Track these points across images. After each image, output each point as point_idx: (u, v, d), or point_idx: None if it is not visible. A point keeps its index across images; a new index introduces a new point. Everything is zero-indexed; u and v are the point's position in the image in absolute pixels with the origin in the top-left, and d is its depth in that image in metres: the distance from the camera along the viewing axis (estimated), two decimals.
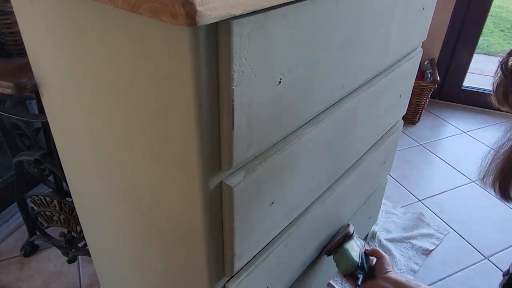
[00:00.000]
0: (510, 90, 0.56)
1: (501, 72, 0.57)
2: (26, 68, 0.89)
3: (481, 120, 2.20)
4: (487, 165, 0.54)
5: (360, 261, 0.89)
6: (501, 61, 0.57)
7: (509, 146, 0.52)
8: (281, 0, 0.45)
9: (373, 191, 1.20)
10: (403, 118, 1.17)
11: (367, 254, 0.93)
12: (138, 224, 0.70)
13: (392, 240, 1.42)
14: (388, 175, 1.70)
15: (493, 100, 0.59)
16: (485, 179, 0.55)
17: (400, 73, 0.94)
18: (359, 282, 0.87)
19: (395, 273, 0.86)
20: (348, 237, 0.94)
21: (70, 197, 0.99)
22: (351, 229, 0.96)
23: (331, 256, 0.96)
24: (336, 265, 0.94)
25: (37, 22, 0.60)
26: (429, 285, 1.26)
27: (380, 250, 0.92)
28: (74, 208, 1.12)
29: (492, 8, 2.12)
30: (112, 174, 0.67)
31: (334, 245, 0.94)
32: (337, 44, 0.62)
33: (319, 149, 0.73)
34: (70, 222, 1.17)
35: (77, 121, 0.67)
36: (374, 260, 0.91)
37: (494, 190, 0.55)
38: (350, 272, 0.90)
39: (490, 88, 0.61)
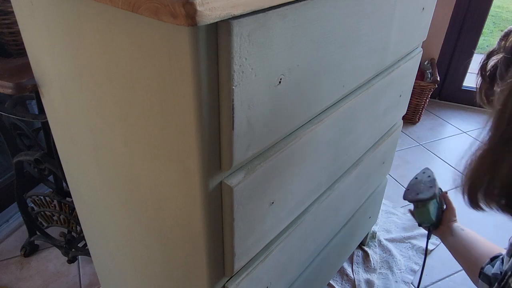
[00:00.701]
0: (490, 93, 0.56)
1: (480, 75, 0.57)
2: (26, 68, 0.89)
3: (481, 120, 2.20)
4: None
5: (436, 218, 0.95)
6: (481, 65, 0.57)
7: (475, 154, 0.52)
8: (281, 0, 0.45)
9: (373, 191, 1.20)
10: (403, 118, 1.17)
11: (444, 200, 0.98)
12: (138, 224, 0.70)
13: (392, 240, 1.42)
14: (388, 175, 1.69)
15: (478, 100, 0.60)
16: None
17: (400, 73, 0.94)
18: (429, 237, 0.97)
19: (455, 223, 0.93)
20: (433, 198, 0.97)
21: (70, 197, 0.99)
22: (437, 189, 0.98)
23: (331, 256, 0.97)
24: (414, 216, 0.99)
25: (37, 22, 0.60)
26: (429, 285, 1.26)
27: (450, 199, 0.96)
28: (74, 208, 1.12)
29: (492, 8, 2.12)
30: (112, 174, 0.67)
31: (419, 201, 0.98)
32: (337, 44, 0.62)
33: (319, 149, 0.73)
34: (70, 222, 1.17)
35: (77, 121, 0.67)
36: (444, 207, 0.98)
37: (463, 197, 0.54)
38: (425, 224, 0.97)
39: None
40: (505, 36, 0.56)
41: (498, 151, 0.48)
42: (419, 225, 0.99)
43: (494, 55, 0.56)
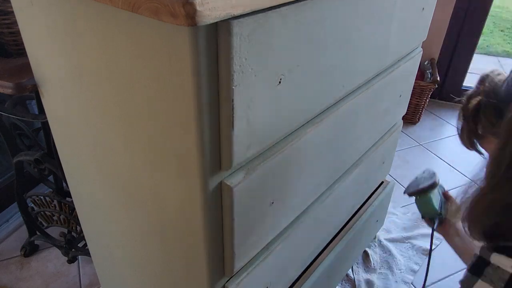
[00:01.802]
0: (472, 135, 0.59)
1: (463, 118, 0.59)
2: (26, 68, 0.89)
3: None
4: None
5: (440, 209, 0.93)
6: (462, 107, 0.60)
7: (475, 189, 0.55)
8: (281, 0, 0.45)
9: (379, 194, 1.20)
10: (403, 118, 1.17)
11: (446, 198, 0.96)
12: (138, 224, 0.70)
13: (392, 240, 1.42)
14: (388, 175, 1.69)
15: (461, 142, 0.61)
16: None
17: (400, 73, 0.94)
18: (435, 227, 0.93)
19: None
20: (434, 187, 0.96)
21: (70, 197, 0.99)
22: (437, 179, 0.97)
23: (339, 261, 0.96)
24: (417, 208, 0.97)
25: (37, 22, 0.60)
26: (429, 285, 1.26)
27: (452, 196, 0.95)
28: (74, 208, 1.12)
29: (492, 8, 2.12)
30: (112, 174, 0.67)
31: (420, 191, 0.97)
32: (337, 44, 0.62)
33: (319, 149, 0.73)
34: (70, 222, 1.17)
35: (77, 121, 0.67)
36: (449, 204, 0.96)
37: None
38: (429, 216, 0.95)
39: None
40: (482, 81, 0.60)
41: (491, 195, 0.53)
42: (422, 217, 0.96)
43: (473, 98, 0.59)
